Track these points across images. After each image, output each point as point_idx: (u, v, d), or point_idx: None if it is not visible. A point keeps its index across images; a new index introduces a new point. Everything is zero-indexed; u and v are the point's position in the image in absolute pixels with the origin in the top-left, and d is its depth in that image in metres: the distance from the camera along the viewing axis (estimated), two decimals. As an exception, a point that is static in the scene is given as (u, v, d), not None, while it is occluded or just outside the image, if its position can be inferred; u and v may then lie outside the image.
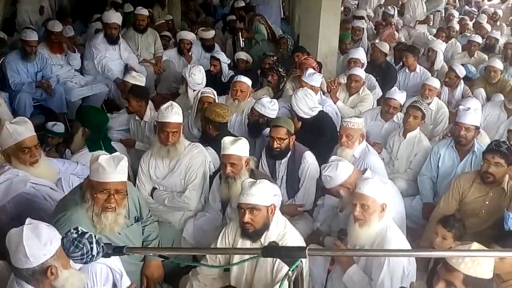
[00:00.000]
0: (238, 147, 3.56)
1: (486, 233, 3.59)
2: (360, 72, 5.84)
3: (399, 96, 5.03)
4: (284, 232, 3.09)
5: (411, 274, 3.02)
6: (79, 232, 1.59)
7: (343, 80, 6.14)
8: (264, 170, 4.17)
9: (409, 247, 3.08)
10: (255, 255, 1.50)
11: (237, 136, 3.82)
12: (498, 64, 6.39)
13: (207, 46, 7.20)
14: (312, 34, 6.90)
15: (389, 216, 3.09)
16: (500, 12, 10.70)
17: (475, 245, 2.32)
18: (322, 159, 3.88)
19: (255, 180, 3.04)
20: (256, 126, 4.68)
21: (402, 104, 5.06)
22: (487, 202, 3.70)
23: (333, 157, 3.63)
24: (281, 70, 5.92)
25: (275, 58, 6.57)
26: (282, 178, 4.13)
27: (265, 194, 2.99)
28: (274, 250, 1.47)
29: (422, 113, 4.57)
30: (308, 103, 4.69)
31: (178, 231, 3.82)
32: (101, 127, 4.16)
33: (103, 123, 4.22)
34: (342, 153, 4.10)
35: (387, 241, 2.97)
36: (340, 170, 3.43)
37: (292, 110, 4.83)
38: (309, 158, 4.08)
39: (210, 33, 7.31)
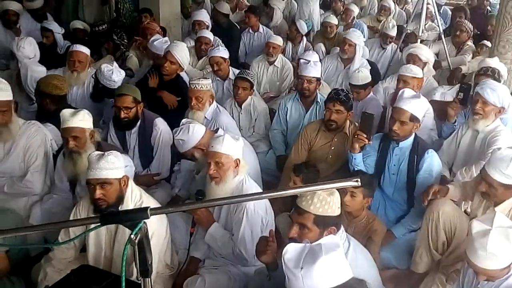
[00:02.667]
0: (80, 119, 3.30)
1: (334, 177, 3.82)
2: (208, 34, 5.79)
3: (219, 52, 5.02)
4: (140, 202, 2.96)
5: (270, 223, 3.11)
6: None
7: (189, 43, 6.06)
8: (113, 142, 3.94)
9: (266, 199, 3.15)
10: (95, 225, 1.37)
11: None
12: (333, 19, 6.77)
13: (39, 16, 6.55)
14: (152, -1, 6.68)
15: (243, 170, 3.13)
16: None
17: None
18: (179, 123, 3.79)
19: (102, 153, 2.85)
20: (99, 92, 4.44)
21: (224, 57, 5.04)
22: (332, 148, 3.92)
23: (183, 120, 3.56)
24: (116, 38, 5.63)
25: (104, 26, 6.19)
26: (134, 148, 3.95)
27: (115, 166, 2.81)
28: (113, 216, 1.35)
29: (250, 83, 4.58)
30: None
31: (24, 218, 3.47)
32: None
33: None
34: (194, 115, 4.06)
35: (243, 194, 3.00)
36: (192, 133, 3.39)
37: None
38: (160, 125, 3.95)
39: (37, 3, 6.60)
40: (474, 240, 2.21)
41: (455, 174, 3.69)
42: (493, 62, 4.54)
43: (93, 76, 4.53)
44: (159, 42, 5.05)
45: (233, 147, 3.04)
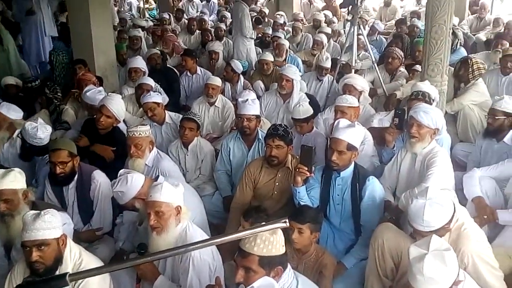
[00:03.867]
0: (10, 180, 3.17)
1: (281, 213, 3.77)
2: (149, 80, 5.75)
3: (150, 98, 4.96)
4: (80, 261, 2.83)
5: (218, 268, 3.01)
6: None
7: (126, 91, 5.99)
8: (50, 200, 3.78)
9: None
10: (12, 299, 1.26)
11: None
12: (269, 57, 6.87)
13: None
14: (86, 48, 6.60)
15: (186, 217, 3.04)
16: (266, 10, 11.65)
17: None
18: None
19: (38, 212, 2.72)
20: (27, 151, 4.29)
21: (157, 102, 4.96)
22: (277, 184, 3.89)
23: (121, 171, 3.44)
24: (48, 92, 5.51)
25: (37, 82, 6.02)
26: (73, 204, 3.80)
27: (52, 225, 2.69)
28: (30, 286, 1.25)
29: (197, 124, 4.56)
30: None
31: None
32: None
33: None
34: (134, 164, 3.98)
35: (188, 242, 2.90)
36: (130, 183, 3.28)
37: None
38: (99, 177, 3.82)
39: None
40: (412, 265, 2.22)
41: (399, 198, 3.73)
42: (424, 86, 4.70)
43: (19, 135, 4.37)
44: (92, 93, 4.95)
45: (173, 194, 2.96)
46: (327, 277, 3.18)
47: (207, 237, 3.14)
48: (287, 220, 1.25)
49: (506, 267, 3.16)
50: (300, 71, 6.91)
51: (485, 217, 3.54)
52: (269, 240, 2.31)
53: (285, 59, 7.28)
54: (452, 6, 4.97)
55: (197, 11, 12.89)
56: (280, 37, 8.17)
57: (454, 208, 2.78)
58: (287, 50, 7.40)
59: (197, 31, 9.78)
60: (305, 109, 4.64)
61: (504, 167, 3.83)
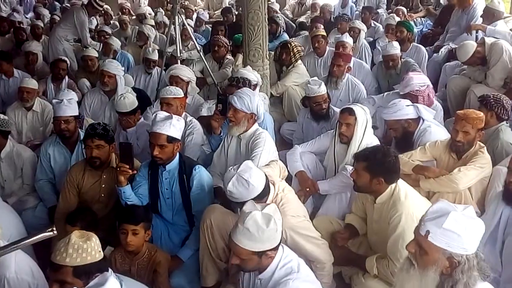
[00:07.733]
0: None
1: (111, 216, 3.60)
2: None
3: None
4: None
5: (41, 286, 2.75)
6: None
7: None
8: None
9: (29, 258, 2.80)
10: None
11: None
12: (92, 52, 6.54)
13: None
14: None
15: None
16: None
17: (75, 234, 2.19)
18: None
19: None
20: None
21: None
22: (103, 186, 3.69)
23: None
24: None
25: None
26: None
27: None
28: None
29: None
30: None
31: None
32: None
33: None
34: None
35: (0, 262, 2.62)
36: None
37: None
38: None
39: None
40: (239, 218, 2.35)
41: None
42: (245, 72, 4.85)
43: None
44: None
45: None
46: (162, 274, 3.13)
47: (24, 255, 2.84)
48: (54, 229, 1.15)
49: (329, 231, 3.40)
50: (131, 66, 6.72)
51: (308, 189, 3.78)
52: (82, 248, 2.16)
53: (114, 58, 6.94)
54: (264, -7, 5.19)
55: (10, 9, 11.74)
56: (110, 34, 7.83)
57: (267, 187, 2.91)
58: (115, 51, 7.06)
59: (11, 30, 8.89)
60: (131, 101, 4.50)
61: (320, 141, 4.12)
